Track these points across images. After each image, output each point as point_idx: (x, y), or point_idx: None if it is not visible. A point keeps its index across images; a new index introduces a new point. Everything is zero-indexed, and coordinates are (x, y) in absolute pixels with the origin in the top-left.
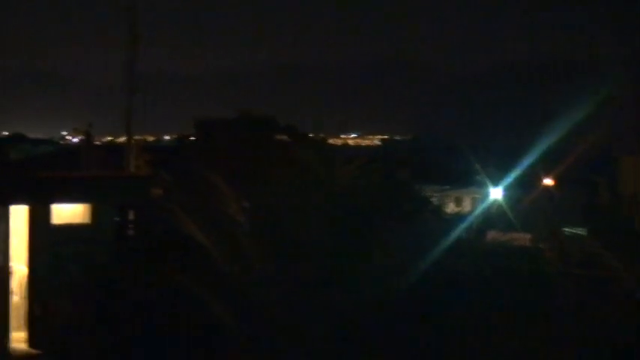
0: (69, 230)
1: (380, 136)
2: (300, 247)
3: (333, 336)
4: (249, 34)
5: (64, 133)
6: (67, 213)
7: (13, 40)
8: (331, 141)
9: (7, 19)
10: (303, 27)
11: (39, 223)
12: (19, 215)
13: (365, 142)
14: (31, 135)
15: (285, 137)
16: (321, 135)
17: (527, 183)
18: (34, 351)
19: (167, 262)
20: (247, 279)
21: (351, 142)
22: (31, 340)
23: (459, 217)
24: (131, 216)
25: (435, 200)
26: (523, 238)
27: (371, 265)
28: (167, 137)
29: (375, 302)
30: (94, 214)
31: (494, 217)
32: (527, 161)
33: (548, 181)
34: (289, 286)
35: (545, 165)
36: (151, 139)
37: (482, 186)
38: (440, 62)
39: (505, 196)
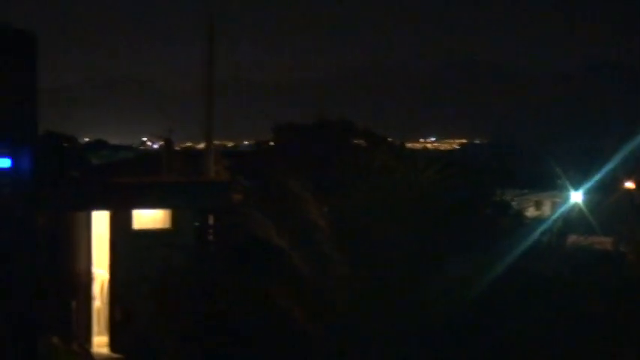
0: (149, 235)
1: (459, 140)
2: (380, 251)
3: (413, 340)
4: (326, 41)
5: (144, 139)
6: (147, 218)
7: (94, 46)
8: (409, 145)
9: (85, 28)
10: (379, 32)
11: (120, 228)
12: (100, 221)
13: (444, 146)
14: (112, 141)
15: (362, 141)
16: (400, 139)
17: (608, 186)
18: (115, 355)
19: (247, 266)
20: (327, 284)
21: (429, 146)
22: (113, 345)
23: (539, 221)
24: (211, 221)
25: (514, 204)
26: (604, 241)
27: (450, 269)
28: (246, 143)
29: (455, 306)
30: (174, 219)
31: (574, 220)
32: (608, 164)
33: (629, 185)
34: (369, 290)
35: (626, 168)
36: (230, 144)
37: (562, 189)
38: (519, 65)
39: (585, 199)
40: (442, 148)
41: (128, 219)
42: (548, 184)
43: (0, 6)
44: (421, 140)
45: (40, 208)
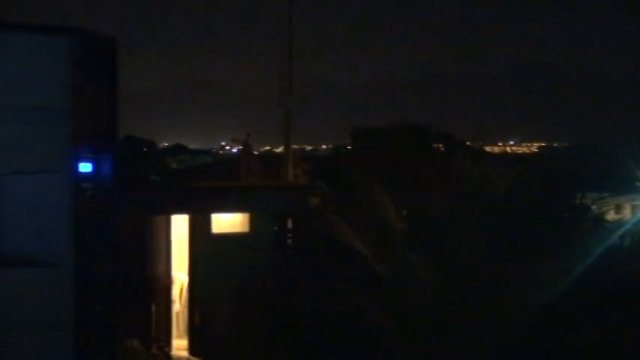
0: (228, 239)
1: (538, 144)
2: (458, 254)
3: (491, 343)
4: (403, 44)
5: (223, 143)
6: (226, 222)
7: (175, 51)
8: (488, 149)
9: (165, 33)
10: (456, 36)
11: (199, 232)
12: (180, 225)
13: (522, 150)
14: (191, 146)
15: (441, 145)
16: (478, 143)
17: None
18: (194, 358)
19: (326, 269)
20: (406, 286)
21: (508, 149)
22: (192, 348)
23: (619, 225)
24: (289, 225)
25: (594, 208)
26: None
27: (529, 273)
28: (324, 146)
29: (533, 310)
30: (253, 223)
31: None
32: None
33: None
34: (448, 292)
35: None
36: (308, 148)
37: None
38: (598, 68)
39: None
40: (520, 152)
41: (207, 223)
42: (629, 187)
43: (82, 13)
44: (500, 144)
45: (120, 212)
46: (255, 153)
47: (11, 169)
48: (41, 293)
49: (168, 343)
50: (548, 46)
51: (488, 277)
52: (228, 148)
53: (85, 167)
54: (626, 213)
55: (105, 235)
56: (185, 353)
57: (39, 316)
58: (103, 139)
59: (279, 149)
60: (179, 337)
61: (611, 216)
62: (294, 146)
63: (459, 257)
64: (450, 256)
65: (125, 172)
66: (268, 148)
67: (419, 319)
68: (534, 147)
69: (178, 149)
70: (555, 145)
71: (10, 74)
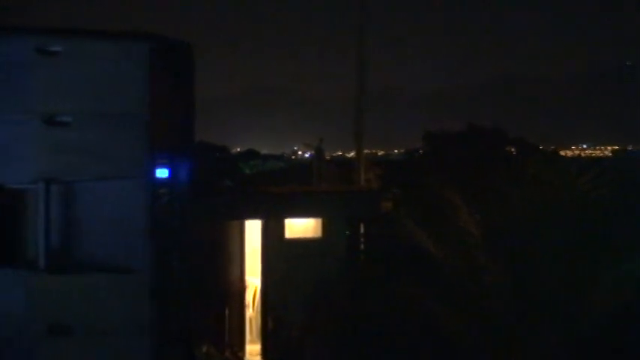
0: (301, 244)
1: (612, 147)
2: (533, 258)
3: (568, 347)
4: (474, 48)
5: (295, 148)
6: (299, 227)
7: (247, 56)
8: (562, 152)
9: (237, 39)
10: (525, 39)
11: (272, 237)
12: (253, 230)
13: (596, 153)
14: (263, 151)
15: (513, 149)
16: (552, 147)
17: None
18: None
19: (399, 274)
20: (480, 290)
21: (582, 153)
22: (265, 353)
23: None
24: (362, 230)
25: None
26: None
27: (607, 277)
28: (396, 151)
29: (611, 313)
30: (326, 228)
31: None
32: None
33: None
34: (523, 297)
35: None
36: (380, 153)
37: None
38: None
39: None
40: (594, 155)
41: (280, 228)
42: None
43: (159, 19)
44: (573, 147)
45: (196, 218)
46: (327, 158)
47: (91, 176)
48: (119, 298)
49: (242, 348)
50: (627, 48)
51: (564, 281)
52: (300, 153)
53: (161, 173)
54: None
55: (181, 241)
56: (258, 358)
57: (117, 321)
58: (180, 144)
59: (351, 154)
60: (252, 342)
61: None
62: (366, 151)
63: (533, 261)
64: (524, 260)
65: (200, 178)
66: (340, 153)
67: (494, 324)
68: (608, 150)
69: (250, 154)
70: (630, 148)
71: (90, 81)
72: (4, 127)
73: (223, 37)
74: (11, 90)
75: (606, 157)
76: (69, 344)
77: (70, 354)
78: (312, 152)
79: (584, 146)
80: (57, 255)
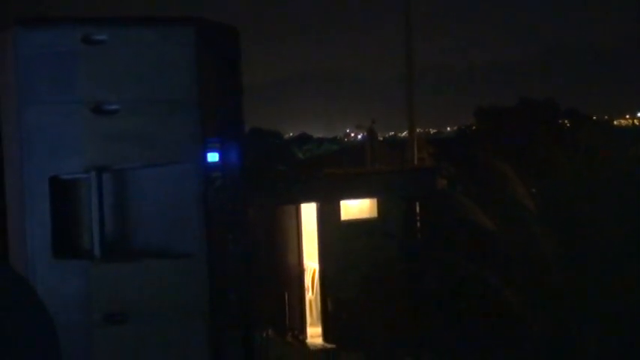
0: (357, 225)
1: None
2: (588, 232)
3: (622, 321)
4: (523, 22)
5: (348, 130)
6: (354, 208)
7: (296, 41)
8: (616, 122)
9: (284, 22)
10: (573, 9)
11: (328, 219)
12: (309, 213)
13: None
14: (316, 134)
15: (567, 121)
16: (606, 117)
17: None
18: (328, 345)
19: (456, 251)
20: (536, 264)
21: (637, 121)
22: (326, 335)
23: None
24: (417, 208)
25: None
26: None
27: None
28: (448, 129)
29: None
30: (381, 208)
31: None
32: None
33: None
34: (578, 271)
35: None
36: (432, 131)
37: None
38: None
39: None
40: None
41: (336, 210)
42: None
43: (204, 3)
44: (627, 116)
45: (250, 202)
46: (380, 139)
47: (142, 162)
48: (174, 284)
49: (303, 331)
50: None
51: (618, 255)
52: (353, 135)
53: (212, 157)
54: None
55: (235, 225)
56: (319, 340)
57: (173, 307)
58: (229, 128)
59: (404, 134)
60: (313, 324)
61: None
62: (419, 130)
63: (588, 235)
64: (580, 232)
65: (253, 163)
66: (392, 133)
67: (551, 297)
68: None
69: (304, 139)
70: None
71: (138, 68)
72: (54, 118)
73: (272, 22)
74: (59, 81)
75: None
76: (126, 331)
77: (127, 341)
78: (365, 134)
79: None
80: (112, 243)
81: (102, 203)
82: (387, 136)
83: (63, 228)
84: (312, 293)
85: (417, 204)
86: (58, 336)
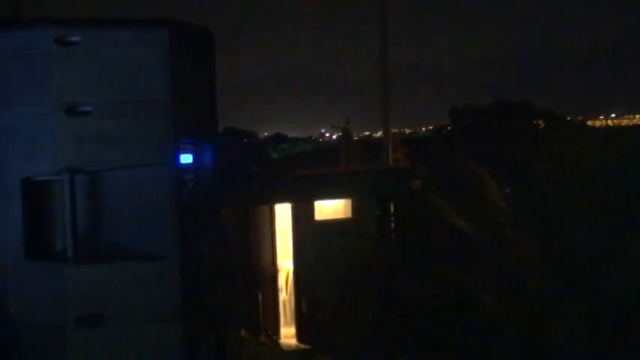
0: (332, 226)
1: None
2: (563, 232)
3: (599, 321)
4: (500, 22)
5: (323, 130)
6: (329, 209)
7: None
8: (590, 123)
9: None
10: (550, 11)
11: (302, 220)
12: (283, 213)
13: (625, 122)
14: (291, 134)
15: (541, 122)
16: (580, 117)
17: None
18: (302, 346)
19: (430, 251)
20: (511, 265)
21: (610, 122)
22: (300, 336)
23: None
24: (392, 208)
25: None
26: None
27: (633, 256)
28: (423, 129)
29: (636, 291)
30: (355, 208)
31: None
32: None
33: None
34: (553, 271)
35: None
36: (408, 131)
37: None
38: None
39: None
40: (623, 124)
41: (310, 210)
42: None
43: (179, 5)
44: (601, 117)
45: (223, 203)
46: (355, 138)
47: (116, 164)
48: (148, 285)
49: (277, 332)
50: None
51: (593, 254)
52: (328, 135)
53: (185, 159)
54: None
55: (208, 226)
56: (293, 341)
57: (146, 308)
58: (203, 130)
59: (379, 134)
60: (287, 325)
61: None
62: (394, 130)
63: (563, 235)
64: (554, 233)
65: (227, 164)
66: (367, 133)
67: (526, 298)
68: (637, 119)
69: (278, 138)
70: None
71: (112, 69)
72: (27, 120)
73: (248, 23)
74: (32, 82)
75: (636, 126)
76: (99, 334)
77: (100, 343)
78: (340, 134)
79: (613, 116)
80: (85, 245)
81: (75, 205)
82: (362, 135)
83: (36, 229)
84: (286, 293)
85: (392, 204)
86: (19, 336)
